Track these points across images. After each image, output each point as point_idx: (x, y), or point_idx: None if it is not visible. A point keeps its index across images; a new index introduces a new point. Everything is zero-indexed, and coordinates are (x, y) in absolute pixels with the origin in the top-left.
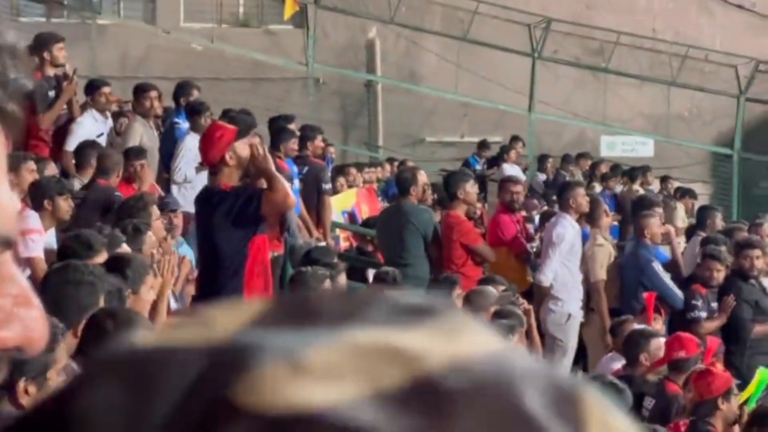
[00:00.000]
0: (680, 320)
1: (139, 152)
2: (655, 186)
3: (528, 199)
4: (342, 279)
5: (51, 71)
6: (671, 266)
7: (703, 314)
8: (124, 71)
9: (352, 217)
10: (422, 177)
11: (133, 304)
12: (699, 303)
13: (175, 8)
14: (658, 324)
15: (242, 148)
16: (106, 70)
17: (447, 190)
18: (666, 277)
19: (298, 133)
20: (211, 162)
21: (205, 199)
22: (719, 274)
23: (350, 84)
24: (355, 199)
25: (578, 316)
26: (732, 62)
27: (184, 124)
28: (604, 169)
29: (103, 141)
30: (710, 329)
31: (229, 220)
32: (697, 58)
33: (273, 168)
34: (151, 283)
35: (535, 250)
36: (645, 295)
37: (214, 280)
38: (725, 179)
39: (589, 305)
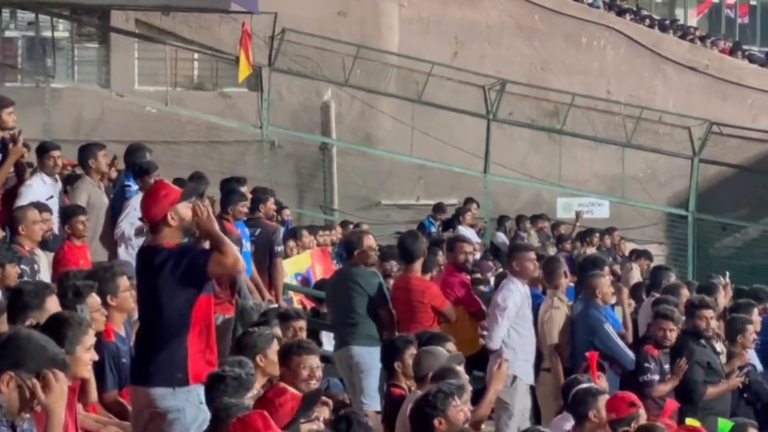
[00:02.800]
0: (633, 382)
1: (76, 210)
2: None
3: (484, 260)
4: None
5: None
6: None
7: (656, 377)
8: (79, 134)
9: (306, 279)
10: (368, 240)
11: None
12: (651, 366)
13: (129, 72)
14: (603, 382)
15: (185, 210)
16: (61, 133)
17: (403, 253)
18: (617, 338)
19: (249, 196)
20: (151, 219)
21: (147, 255)
22: (672, 334)
23: (305, 147)
24: (309, 262)
25: (525, 378)
26: (686, 124)
27: (134, 186)
28: (563, 230)
29: (53, 204)
30: (663, 392)
31: (173, 279)
32: (651, 119)
33: (218, 229)
34: (88, 344)
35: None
36: (587, 354)
37: (156, 339)
38: (680, 240)
39: (540, 366)
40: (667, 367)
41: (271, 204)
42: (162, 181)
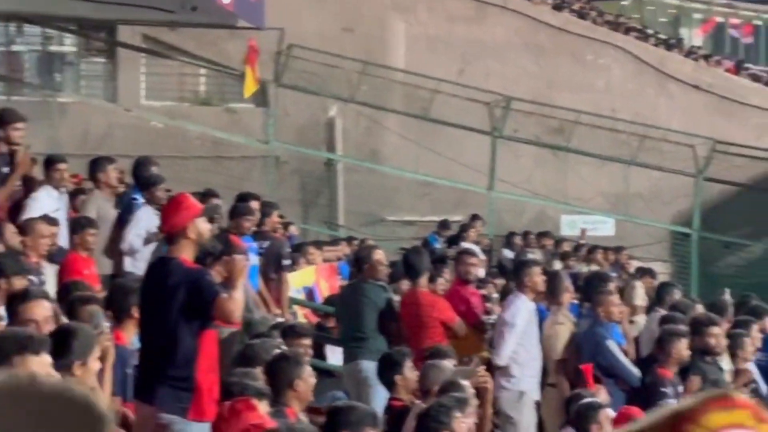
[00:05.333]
0: (648, 405)
1: (88, 222)
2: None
3: (490, 277)
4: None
5: (4, 148)
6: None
7: (674, 401)
8: (85, 149)
9: (310, 294)
10: (377, 255)
11: (83, 375)
12: (669, 390)
13: (135, 86)
14: (602, 394)
15: (204, 225)
16: (67, 147)
17: (408, 268)
18: (621, 355)
19: (256, 212)
20: (170, 230)
21: (160, 267)
22: (686, 353)
23: (311, 162)
24: (314, 277)
25: (532, 393)
26: (690, 142)
27: (141, 200)
28: (567, 248)
29: (60, 216)
30: None
31: (181, 306)
32: (655, 137)
33: (242, 282)
34: (97, 354)
35: (492, 322)
36: (582, 366)
37: (164, 362)
38: (684, 258)
39: (545, 381)
40: (680, 388)
41: (275, 217)
42: (185, 194)
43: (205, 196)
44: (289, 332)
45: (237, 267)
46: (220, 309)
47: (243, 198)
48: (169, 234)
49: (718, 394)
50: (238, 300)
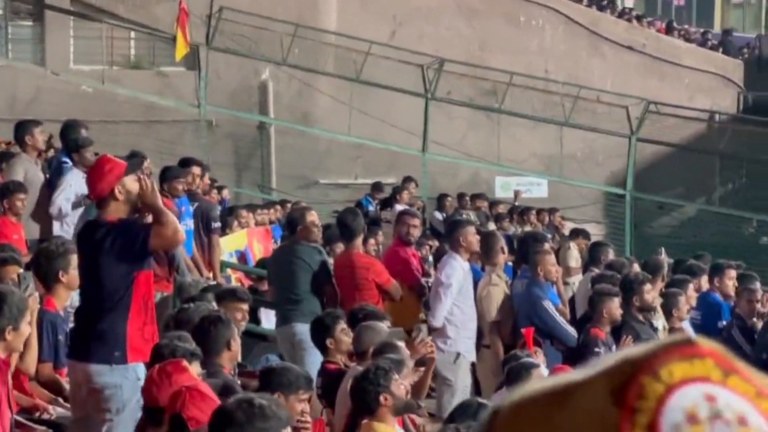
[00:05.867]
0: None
1: (17, 187)
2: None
3: (424, 239)
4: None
5: None
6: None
7: None
8: (13, 113)
9: (243, 257)
10: (311, 216)
11: (13, 341)
12: (601, 350)
13: (64, 50)
14: (540, 357)
15: (131, 183)
16: None
17: (343, 230)
18: (557, 315)
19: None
20: (98, 195)
21: (88, 231)
22: (618, 312)
23: (243, 126)
24: (246, 240)
25: (468, 355)
26: (623, 103)
27: (70, 164)
28: (501, 209)
29: None
30: None
31: (113, 254)
32: (589, 99)
33: (161, 202)
34: (28, 319)
35: (430, 285)
36: (523, 330)
37: (95, 315)
38: (618, 219)
39: (481, 343)
40: (614, 348)
41: (206, 180)
42: (106, 156)
43: (130, 159)
44: (229, 296)
45: (146, 190)
46: (158, 236)
47: (184, 163)
48: (99, 199)
49: (679, 339)
50: (171, 221)
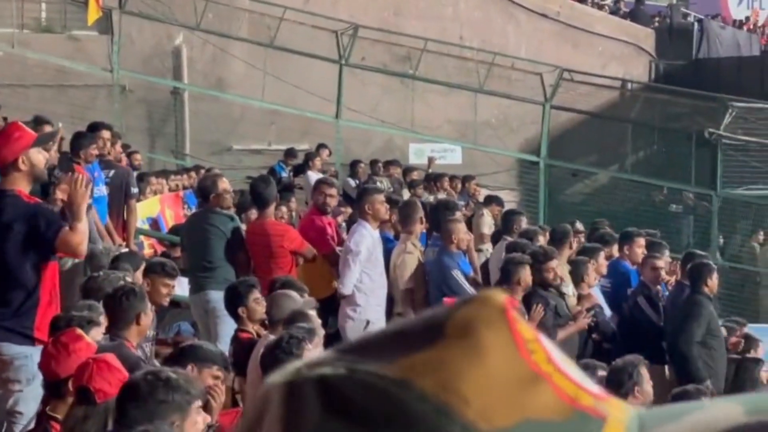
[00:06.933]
0: None
1: None
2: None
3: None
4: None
5: None
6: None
7: None
8: None
9: (155, 224)
10: (223, 183)
11: None
12: None
13: None
14: None
15: (37, 156)
16: None
17: (256, 197)
18: (466, 284)
19: (108, 140)
20: (2, 162)
21: None
22: (530, 279)
23: (157, 91)
24: (159, 206)
25: (377, 322)
26: (537, 70)
27: None
28: (415, 176)
29: None
30: None
31: (22, 241)
32: (503, 65)
33: (84, 209)
34: None
35: None
36: (445, 300)
37: (2, 295)
38: (532, 186)
39: (393, 311)
40: (526, 315)
41: (118, 147)
42: (17, 123)
43: (37, 123)
44: (157, 269)
45: (78, 190)
46: (64, 243)
47: (93, 128)
48: (1, 166)
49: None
50: (82, 231)
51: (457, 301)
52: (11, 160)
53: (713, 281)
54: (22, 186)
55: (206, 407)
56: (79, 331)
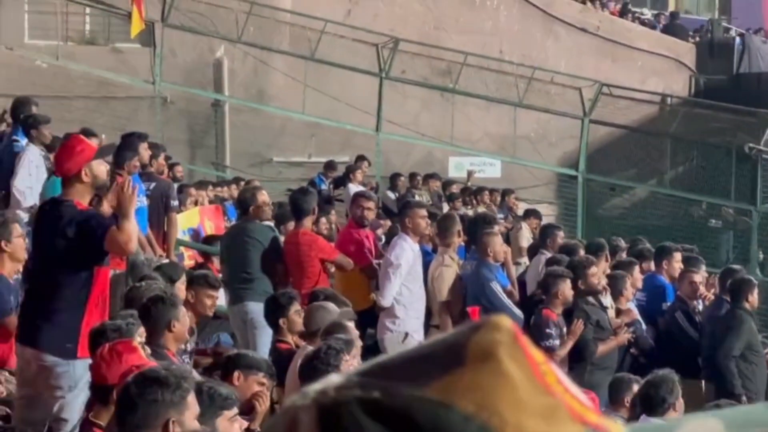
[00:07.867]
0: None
1: None
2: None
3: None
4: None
5: None
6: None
7: (557, 342)
8: None
9: (196, 235)
10: (262, 196)
11: None
12: (553, 331)
13: (19, 25)
14: None
15: (99, 168)
16: None
17: (295, 209)
18: (504, 297)
19: (147, 152)
20: (65, 173)
21: (52, 208)
22: (570, 294)
23: (198, 103)
24: (199, 218)
25: (416, 334)
26: (576, 84)
27: (22, 141)
28: (454, 189)
29: None
30: (563, 355)
31: (74, 246)
32: (542, 80)
33: (132, 210)
34: None
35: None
36: (469, 309)
37: (50, 302)
38: (570, 200)
39: (430, 323)
40: (565, 329)
41: (161, 159)
42: (78, 136)
43: (85, 136)
44: (200, 281)
45: (125, 193)
46: (112, 241)
47: (128, 137)
48: (64, 177)
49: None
50: (129, 230)
51: (468, 326)
52: (75, 172)
53: (754, 297)
54: (82, 197)
55: (251, 412)
56: (135, 343)
